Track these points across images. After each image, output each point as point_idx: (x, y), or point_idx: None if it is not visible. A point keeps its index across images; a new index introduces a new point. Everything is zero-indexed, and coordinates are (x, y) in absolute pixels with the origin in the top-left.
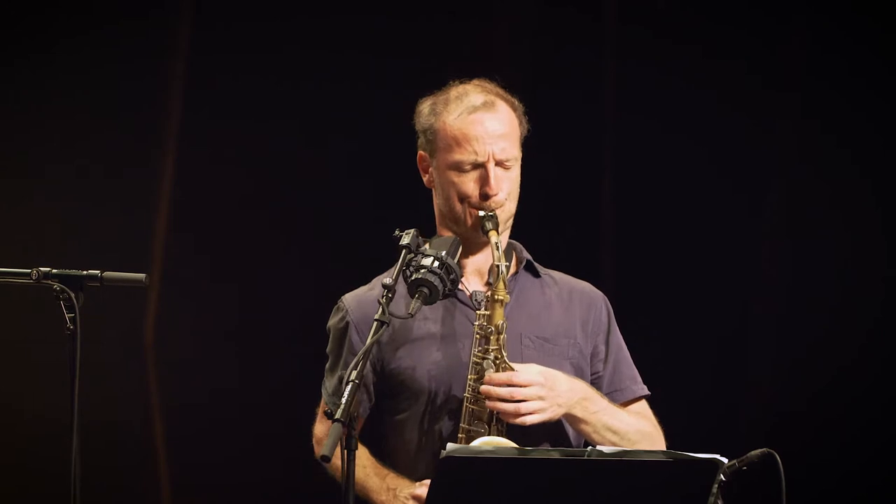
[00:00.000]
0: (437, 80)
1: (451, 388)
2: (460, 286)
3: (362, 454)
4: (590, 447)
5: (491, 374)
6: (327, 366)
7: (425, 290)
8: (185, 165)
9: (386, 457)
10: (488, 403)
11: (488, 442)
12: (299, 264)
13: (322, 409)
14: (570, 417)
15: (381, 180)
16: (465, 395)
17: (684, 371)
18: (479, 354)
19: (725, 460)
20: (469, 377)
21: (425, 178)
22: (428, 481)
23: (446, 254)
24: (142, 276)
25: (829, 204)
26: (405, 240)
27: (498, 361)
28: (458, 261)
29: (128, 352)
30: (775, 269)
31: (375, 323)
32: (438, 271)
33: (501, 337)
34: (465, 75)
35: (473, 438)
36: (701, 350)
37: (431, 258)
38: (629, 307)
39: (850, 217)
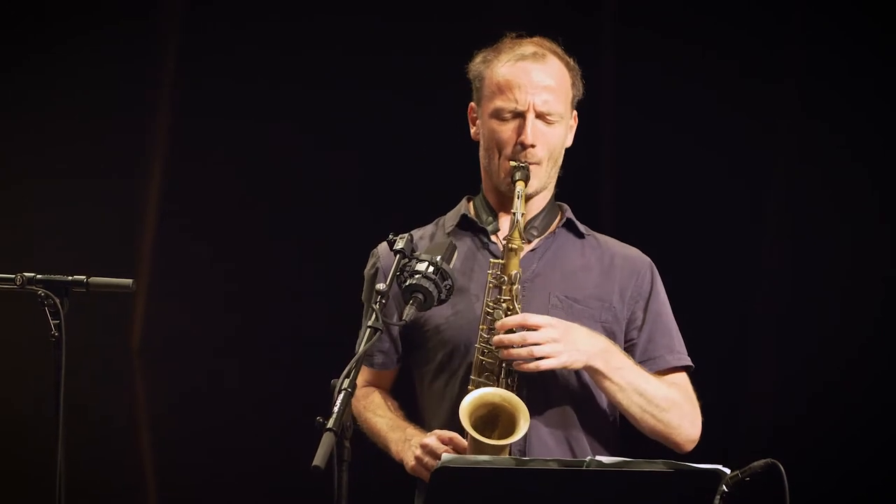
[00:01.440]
0: (430, 81)
1: (468, 339)
2: (493, 239)
3: (386, 406)
4: (589, 457)
5: (503, 319)
6: (364, 313)
7: (420, 296)
8: (174, 169)
9: (416, 410)
10: (502, 353)
11: (493, 393)
12: (289, 268)
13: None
14: (591, 370)
15: (377, 182)
16: (477, 345)
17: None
18: (491, 304)
19: (728, 471)
20: (480, 327)
21: (472, 131)
22: (436, 431)
23: (441, 259)
24: (128, 281)
25: (830, 205)
26: (399, 244)
27: (510, 312)
28: (498, 215)
29: (114, 357)
30: (776, 270)
31: (368, 330)
32: (433, 277)
33: (515, 287)
34: (458, 75)
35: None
36: (701, 354)
37: (426, 263)
38: None
39: (852, 218)
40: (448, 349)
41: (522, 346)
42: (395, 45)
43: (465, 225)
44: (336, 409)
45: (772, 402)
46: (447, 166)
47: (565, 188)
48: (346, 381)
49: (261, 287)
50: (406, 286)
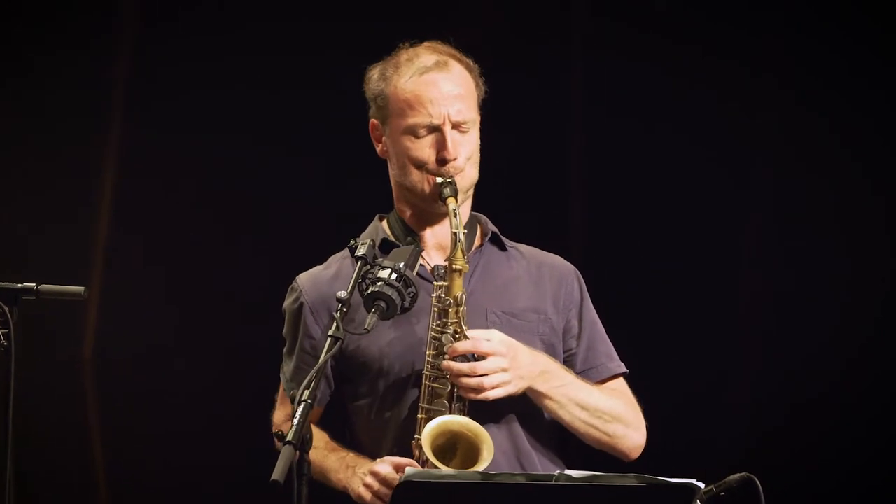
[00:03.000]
0: None
1: (412, 366)
2: (420, 260)
3: (320, 438)
4: (557, 472)
5: (454, 345)
6: (285, 349)
7: (382, 304)
8: (126, 173)
9: (350, 445)
10: (451, 378)
11: (448, 422)
12: (246, 274)
13: (281, 394)
14: (532, 392)
15: (335, 187)
16: (425, 371)
17: (663, 382)
18: (438, 329)
19: (702, 485)
20: (427, 353)
21: (379, 148)
22: (388, 458)
23: (405, 265)
24: (80, 288)
25: (830, 207)
26: (361, 250)
27: (458, 335)
28: (418, 235)
29: (66, 367)
30: (763, 270)
31: (329, 339)
32: (396, 284)
33: (461, 309)
34: None
35: (434, 418)
36: (680, 362)
37: (389, 270)
38: (606, 317)
39: (853, 220)
40: (391, 378)
41: (472, 377)
42: (364, 47)
43: (386, 248)
44: (295, 421)
45: (749, 415)
46: None
47: (537, 188)
48: (306, 393)
49: (215, 294)
50: (368, 294)
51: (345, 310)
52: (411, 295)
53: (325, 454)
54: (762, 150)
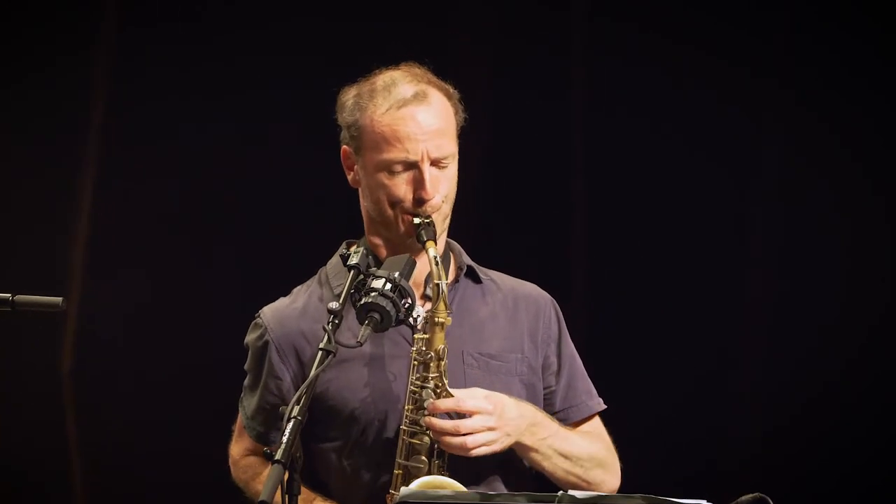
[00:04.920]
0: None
1: (386, 416)
2: None
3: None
4: (561, 492)
5: (435, 402)
6: (245, 383)
7: (376, 315)
8: (105, 182)
9: (313, 485)
10: (433, 436)
11: (430, 483)
12: (225, 284)
13: (239, 427)
14: (519, 446)
15: (318, 198)
16: (402, 426)
17: (663, 382)
18: (417, 383)
19: None
20: (406, 407)
21: (350, 177)
22: None
23: (399, 275)
24: (58, 299)
25: (829, 207)
26: (354, 259)
27: (439, 390)
28: None
29: (44, 379)
30: (765, 275)
31: (321, 352)
32: (391, 295)
33: (442, 363)
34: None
35: (412, 475)
36: (680, 362)
37: (383, 280)
38: (604, 321)
39: (852, 220)
40: (360, 426)
41: (455, 436)
42: (358, 47)
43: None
44: (284, 439)
45: (751, 415)
46: None
47: (536, 189)
48: (296, 409)
49: (195, 305)
50: (361, 305)
51: (337, 322)
52: (406, 306)
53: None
54: (762, 149)
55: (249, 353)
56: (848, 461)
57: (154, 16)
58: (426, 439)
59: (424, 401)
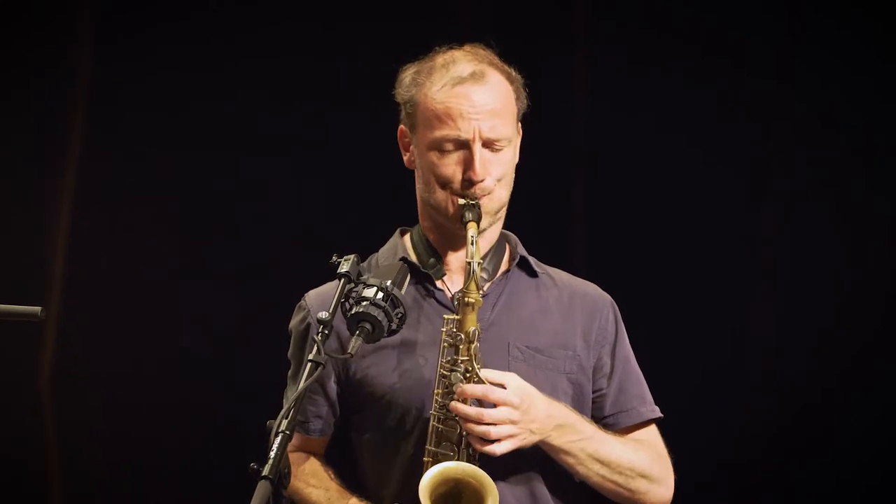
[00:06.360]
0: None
1: (423, 402)
2: (440, 285)
3: (325, 475)
4: None
5: (464, 388)
6: (289, 373)
7: (367, 325)
8: (85, 189)
9: (356, 479)
10: (461, 422)
11: (456, 468)
12: (209, 293)
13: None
14: (547, 446)
15: (311, 206)
16: (432, 412)
17: (664, 382)
18: (447, 366)
19: None
20: (435, 392)
21: (406, 157)
22: None
23: (392, 284)
24: (37, 308)
25: (829, 206)
26: (344, 267)
27: (469, 374)
28: (442, 257)
29: (23, 390)
30: (774, 271)
31: (309, 364)
32: (382, 304)
33: (473, 346)
34: None
35: (441, 462)
36: (681, 362)
37: (375, 288)
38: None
39: (852, 221)
40: (397, 413)
41: (478, 424)
42: (358, 48)
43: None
44: (272, 454)
45: (752, 416)
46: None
47: (536, 188)
48: (284, 423)
49: (177, 315)
50: (352, 314)
51: (326, 332)
52: (399, 315)
53: (330, 497)
54: (763, 149)
55: (292, 338)
56: (853, 459)
57: (135, 19)
58: (457, 426)
59: (453, 384)
